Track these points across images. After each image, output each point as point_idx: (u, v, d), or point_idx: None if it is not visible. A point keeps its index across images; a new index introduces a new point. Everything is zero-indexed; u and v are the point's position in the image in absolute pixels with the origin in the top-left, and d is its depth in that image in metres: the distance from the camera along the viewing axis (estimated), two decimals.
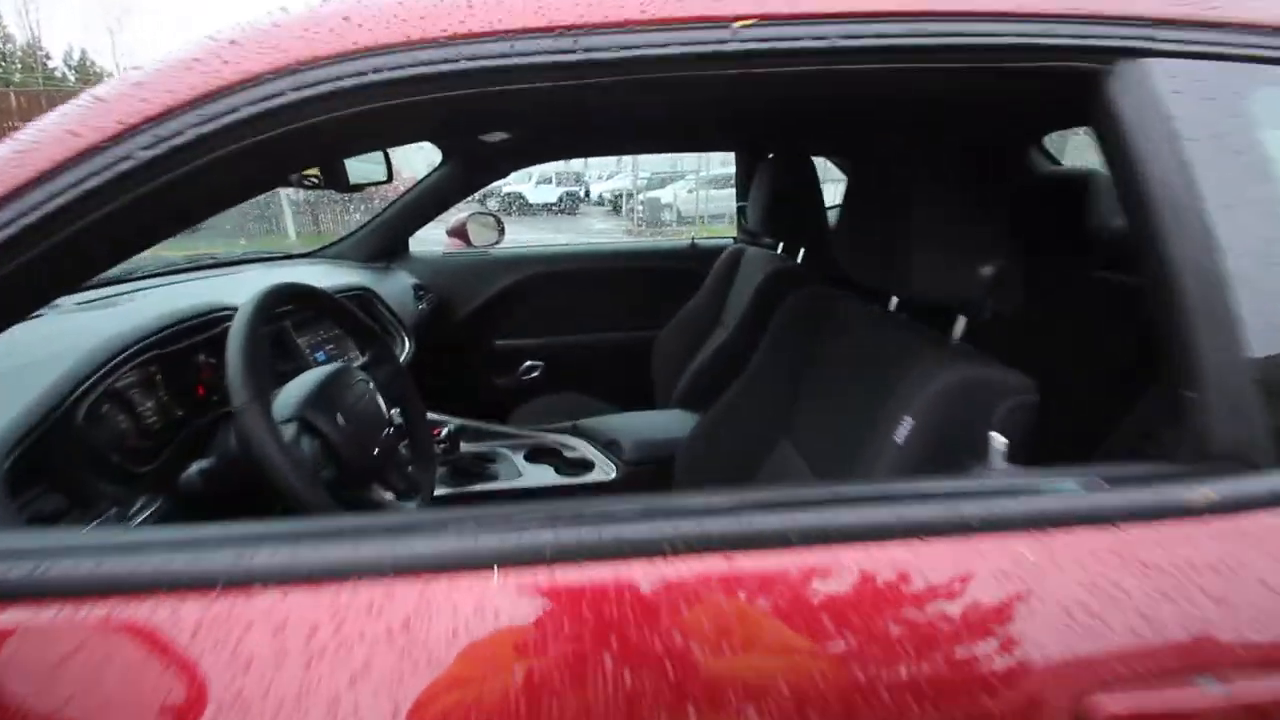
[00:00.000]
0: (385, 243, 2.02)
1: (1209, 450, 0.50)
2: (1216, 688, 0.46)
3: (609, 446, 1.43)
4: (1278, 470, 0.50)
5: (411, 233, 2.08)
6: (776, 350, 1.14)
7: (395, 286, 1.86)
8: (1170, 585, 0.46)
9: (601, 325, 2.21)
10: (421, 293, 1.97)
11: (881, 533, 0.46)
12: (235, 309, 0.83)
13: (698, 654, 0.44)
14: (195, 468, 0.80)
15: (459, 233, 2.14)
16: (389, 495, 0.93)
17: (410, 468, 1.04)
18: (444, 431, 1.32)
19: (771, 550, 0.46)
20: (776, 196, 1.56)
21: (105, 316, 1.04)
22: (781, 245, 1.75)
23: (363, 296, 1.59)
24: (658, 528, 0.46)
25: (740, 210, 2.16)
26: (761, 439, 1.11)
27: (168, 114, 0.45)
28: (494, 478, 1.34)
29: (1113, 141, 0.53)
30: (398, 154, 2.42)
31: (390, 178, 1.36)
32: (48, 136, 0.46)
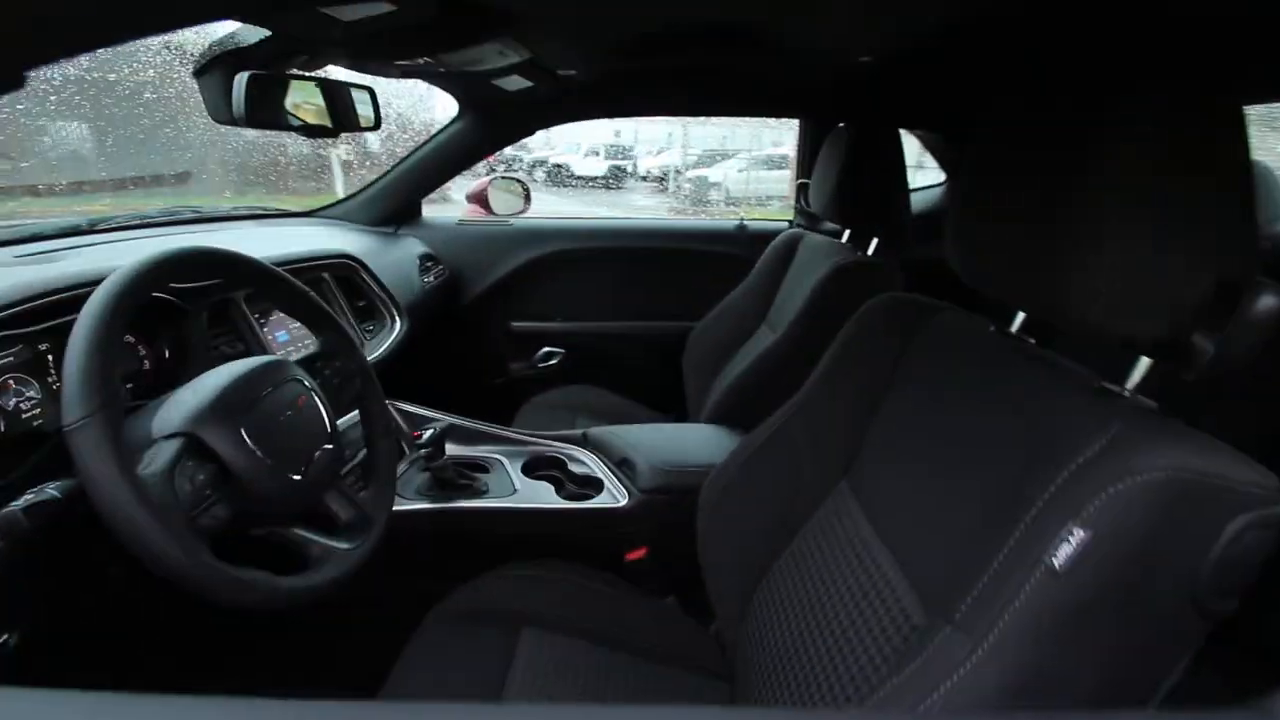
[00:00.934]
0: (395, 205, 1.81)
1: None
2: None
3: (622, 465, 1.19)
4: None
5: (425, 194, 1.86)
6: (842, 366, 0.87)
7: (398, 255, 1.65)
8: None
9: (631, 312, 1.97)
10: (430, 264, 1.75)
11: None
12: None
13: None
14: (23, 500, 0.56)
15: (478, 198, 1.92)
16: (314, 536, 0.70)
17: (362, 491, 0.82)
18: (427, 434, 1.10)
19: None
20: (850, 172, 1.28)
21: (27, 273, 0.84)
22: (848, 233, 1.46)
23: (344, 265, 1.37)
24: None
25: (801, 188, 1.87)
26: (816, 483, 0.85)
27: None
28: (482, 492, 1.12)
29: None
30: (410, 100, 2.17)
31: (378, 124, 1.13)
32: None
